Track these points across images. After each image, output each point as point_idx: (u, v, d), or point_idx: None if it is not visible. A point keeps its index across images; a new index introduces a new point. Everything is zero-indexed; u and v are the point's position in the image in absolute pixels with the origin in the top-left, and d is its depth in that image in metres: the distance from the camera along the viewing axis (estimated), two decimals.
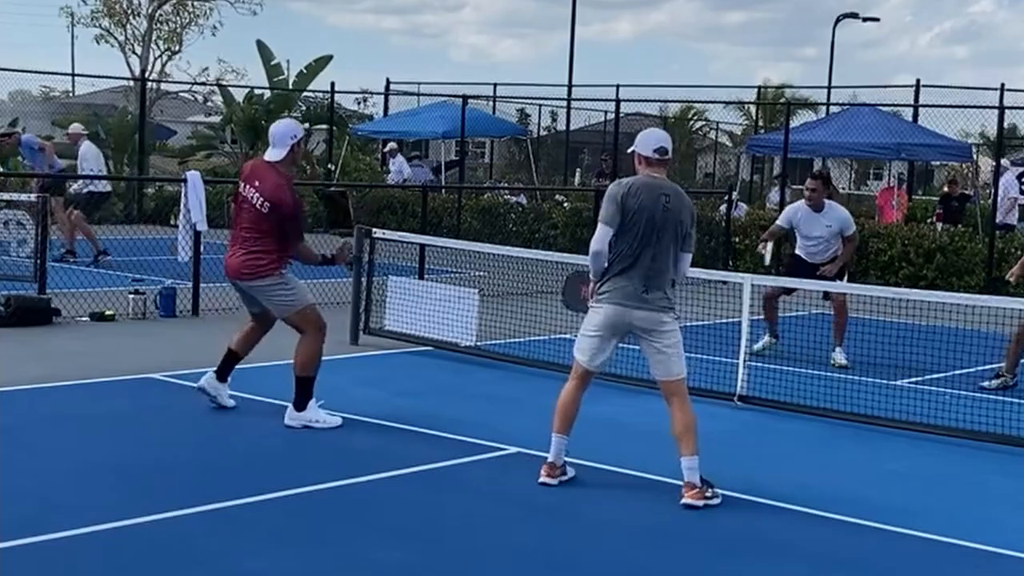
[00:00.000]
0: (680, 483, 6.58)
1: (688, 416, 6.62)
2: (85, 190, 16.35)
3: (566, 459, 6.79)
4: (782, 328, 11.64)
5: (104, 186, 16.98)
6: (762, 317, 11.48)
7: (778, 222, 11.79)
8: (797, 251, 11.68)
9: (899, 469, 7.74)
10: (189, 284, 12.54)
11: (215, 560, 5.44)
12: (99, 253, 16.03)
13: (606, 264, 6.66)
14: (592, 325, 6.71)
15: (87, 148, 16.83)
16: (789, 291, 11.45)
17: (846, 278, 11.47)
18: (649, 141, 6.73)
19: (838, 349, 11.18)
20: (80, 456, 7.04)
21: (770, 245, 11.69)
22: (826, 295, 11.27)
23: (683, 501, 6.46)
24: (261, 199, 7.73)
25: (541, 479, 6.68)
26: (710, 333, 11.76)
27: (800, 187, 29.73)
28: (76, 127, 17.58)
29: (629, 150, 6.83)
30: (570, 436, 6.76)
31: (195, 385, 8.02)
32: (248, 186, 7.83)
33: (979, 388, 10.11)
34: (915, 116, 25.29)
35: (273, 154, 7.89)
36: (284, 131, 7.97)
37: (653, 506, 6.54)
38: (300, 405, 7.80)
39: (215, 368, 8.09)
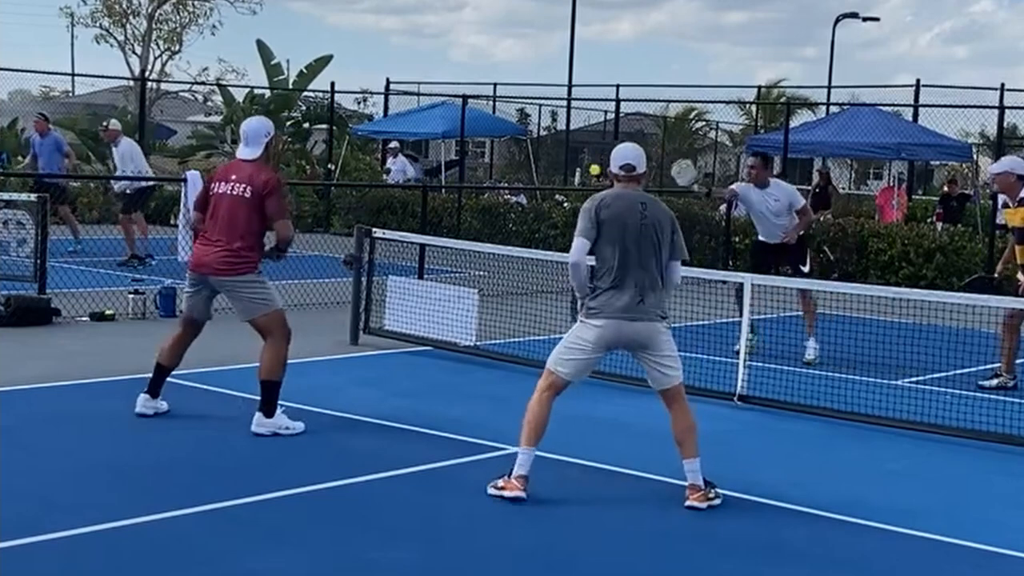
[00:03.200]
0: (681, 483, 6.58)
1: (689, 419, 6.61)
2: (131, 188, 16.39)
3: (570, 458, 6.78)
4: (782, 327, 11.63)
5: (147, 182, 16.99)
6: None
7: (732, 187, 12.03)
8: (760, 237, 11.77)
9: (900, 469, 7.74)
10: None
11: (214, 560, 5.44)
12: (133, 257, 16.27)
13: (587, 277, 6.60)
14: (584, 340, 6.57)
15: (127, 146, 16.80)
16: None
17: (807, 267, 11.47)
18: (616, 158, 6.74)
19: (810, 340, 11.22)
20: (79, 456, 7.04)
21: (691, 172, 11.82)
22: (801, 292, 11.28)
23: (688, 504, 6.45)
24: (241, 186, 7.66)
25: (512, 494, 6.43)
26: (710, 333, 11.76)
27: (800, 187, 29.77)
28: (115, 123, 17.44)
29: None
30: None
31: (136, 411, 7.90)
32: (223, 183, 7.75)
33: (978, 386, 10.13)
34: (915, 116, 25.31)
35: (247, 152, 7.83)
36: (257, 128, 7.90)
37: (653, 506, 6.53)
38: (269, 412, 7.67)
39: (145, 389, 7.95)
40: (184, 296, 8.07)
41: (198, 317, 7.95)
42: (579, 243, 6.58)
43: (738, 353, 11.12)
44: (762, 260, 11.53)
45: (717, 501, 6.51)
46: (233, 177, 7.74)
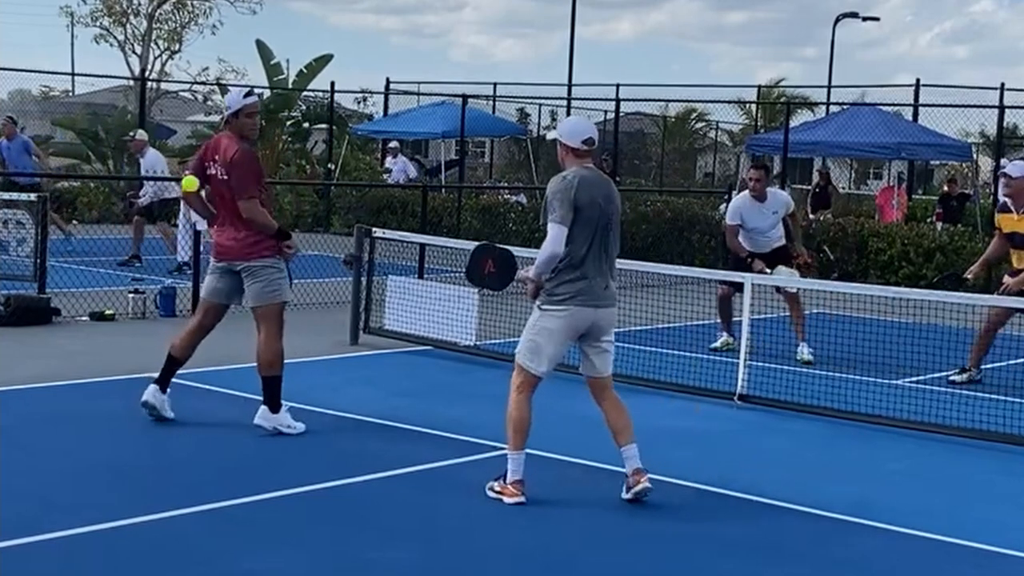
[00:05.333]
0: (683, 483, 6.57)
1: (624, 407, 6.56)
2: (159, 197, 16.41)
3: (571, 458, 6.75)
4: (780, 327, 11.62)
5: (174, 192, 16.99)
6: (717, 318, 11.55)
7: (732, 221, 11.48)
8: (741, 242, 11.54)
9: (902, 469, 7.72)
10: (189, 284, 12.52)
11: (213, 560, 5.42)
12: (134, 256, 16.29)
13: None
14: (552, 331, 6.39)
15: (154, 157, 16.87)
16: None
17: (797, 272, 11.42)
18: (576, 132, 6.46)
19: (802, 344, 11.19)
20: (78, 456, 7.03)
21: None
22: (778, 289, 11.22)
23: (643, 486, 6.37)
24: (221, 168, 7.60)
25: (512, 500, 6.37)
26: (710, 332, 11.75)
27: (800, 186, 29.67)
28: (141, 134, 17.49)
29: (549, 137, 6.58)
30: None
31: (143, 399, 7.78)
32: (212, 163, 7.68)
33: (948, 382, 10.17)
34: (915, 115, 25.30)
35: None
36: (227, 101, 7.84)
37: (654, 506, 6.50)
38: (274, 406, 7.65)
39: (155, 379, 7.85)
40: (206, 283, 7.97)
41: (222, 301, 7.84)
42: (559, 232, 6.26)
43: (715, 350, 11.19)
44: (747, 268, 11.14)
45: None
46: (216, 157, 7.67)
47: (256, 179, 7.62)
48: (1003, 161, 20.53)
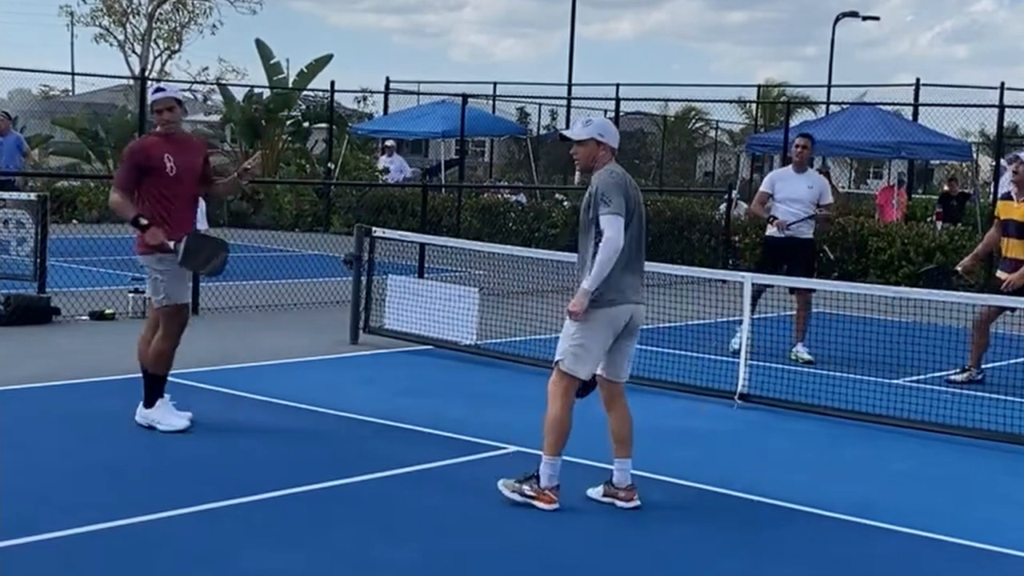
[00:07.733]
0: (684, 483, 6.53)
1: (630, 418, 6.51)
2: None
3: (573, 458, 6.73)
4: (782, 327, 11.60)
5: None
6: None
7: (763, 189, 11.69)
8: (770, 232, 11.46)
9: (905, 469, 7.70)
10: (188, 283, 12.48)
11: (211, 560, 5.40)
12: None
13: None
14: (597, 332, 6.29)
15: None
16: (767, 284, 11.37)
17: (813, 275, 11.36)
18: (615, 133, 6.51)
19: (799, 344, 11.17)
20: (77, 455, 7.01)
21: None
22: (791, 291, 11.19)
23: (635, 503, 6.35)
24: None
25: (548, 506, 6.25)
26: (711, 332, 11.73)
27: None
28: None
29: (584, 137, 6.37)
30: None
31: (137, 420, 7.70)
32: None
33: (947, 381, 10.17)
34: (915, 115, 25.29)
35: None
36: None
37: (654, 506, 6.49)
38: (148, 402, 7.57)
39: (142, 401, 7.70)
40: None
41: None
42: (618, 222, 6.16)
43: (736, 353, 11.15)
44: (773, 260, 11.28)
45: None
46: None
47: (125, 170, 7.52)
48: (1003, 160, 20.55)
